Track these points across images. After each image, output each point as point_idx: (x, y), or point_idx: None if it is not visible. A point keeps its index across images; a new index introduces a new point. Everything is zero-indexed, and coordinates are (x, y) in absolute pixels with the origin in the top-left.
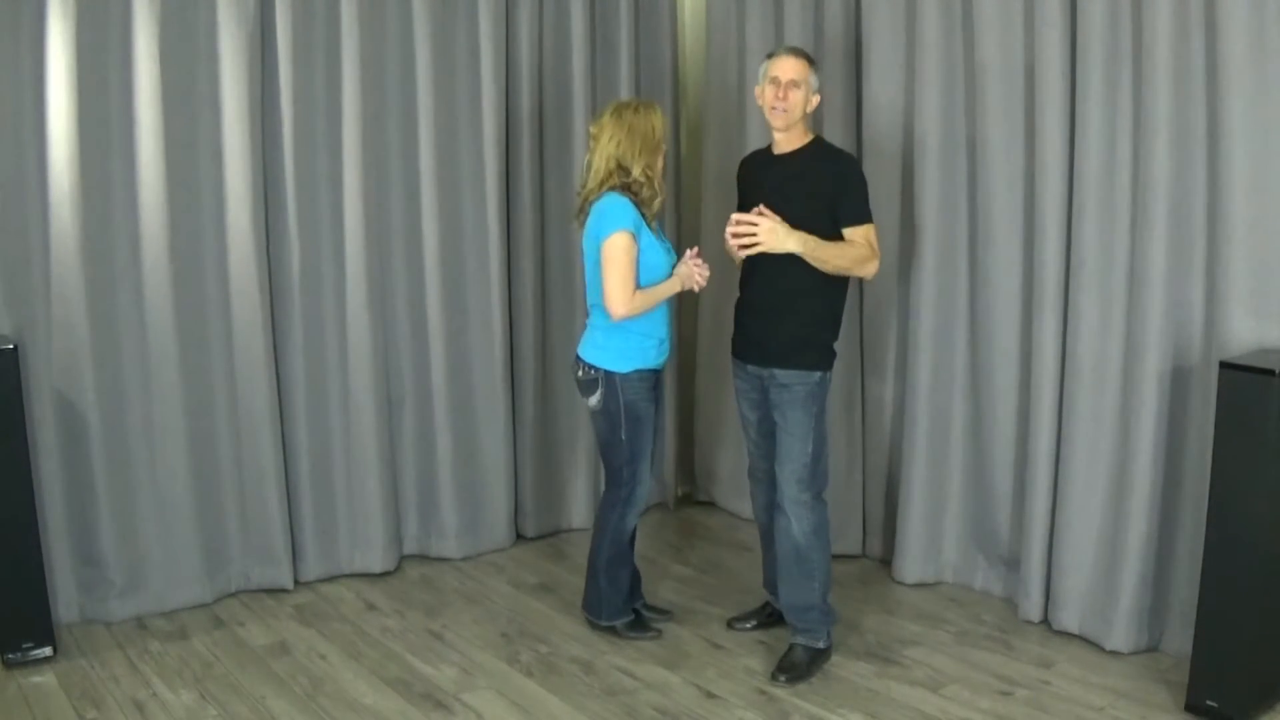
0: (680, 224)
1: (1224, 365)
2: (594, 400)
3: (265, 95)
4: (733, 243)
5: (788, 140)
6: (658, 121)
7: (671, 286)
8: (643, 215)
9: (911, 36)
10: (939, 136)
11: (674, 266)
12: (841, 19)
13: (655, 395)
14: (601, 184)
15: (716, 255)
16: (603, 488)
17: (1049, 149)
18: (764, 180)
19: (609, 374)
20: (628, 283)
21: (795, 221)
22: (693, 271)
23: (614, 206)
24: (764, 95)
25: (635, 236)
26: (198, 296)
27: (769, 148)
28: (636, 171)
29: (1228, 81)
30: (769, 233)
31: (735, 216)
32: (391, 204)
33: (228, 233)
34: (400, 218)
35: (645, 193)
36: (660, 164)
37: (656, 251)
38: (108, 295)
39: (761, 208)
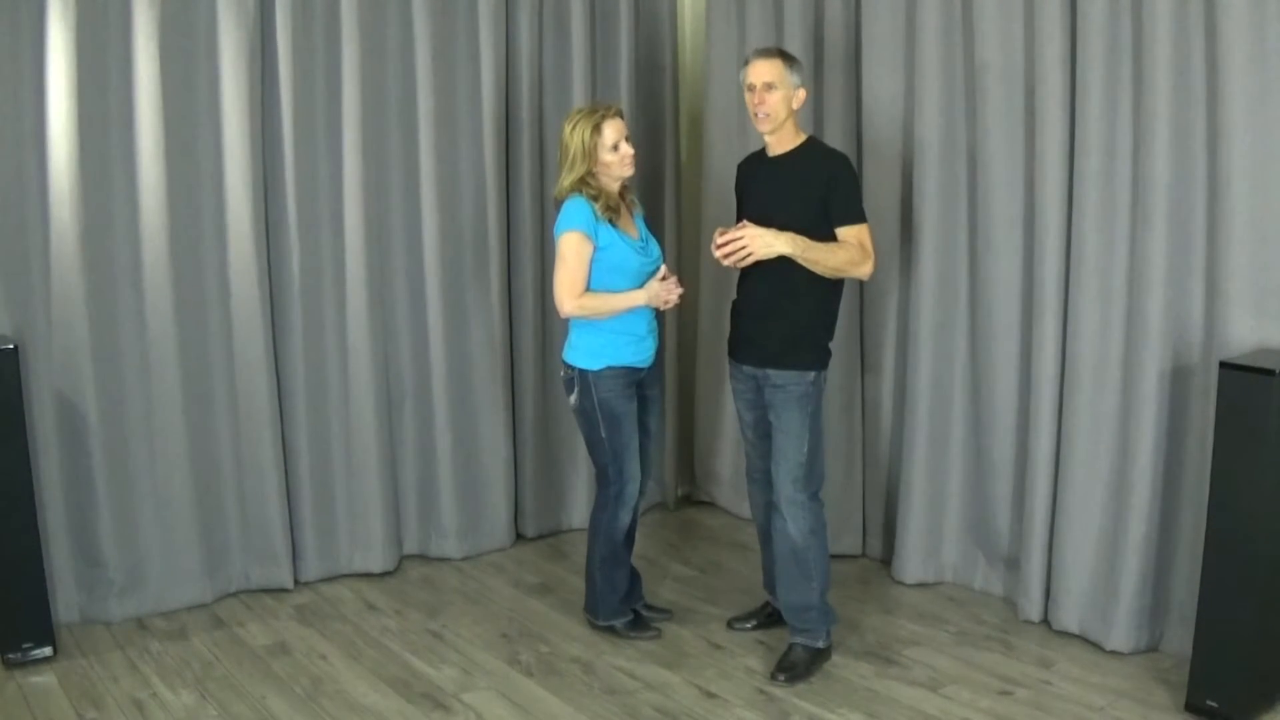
0: (680, 224)
1: (1224, 365)
2: (572, 399)
3: (265, 95)
4: (720, 256)
5: (779, 142)
6: (568, 137)
7: (634, 298)
8: (610, 219)
9: (911, 37)
10: (939, 137)
11: (654, 268)
12: (841, 19)
13: (639, 393)
14: (568, 188)
15: (709, 262)
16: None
17: (1049, 149)
18: (758, 183)
19: (582, 372)
20: (574, 282)
21: (789, 223)
22: (660, 291)
23: (568, 208)
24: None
25: (588, 237)
26: (198, 296)
27: (764, 150)
28: (567, 184)
29: (1228, 81)
30: (757, 239)
31: (719, 232)
32: (391, 204)
33: (228, 233)
34: (400, 218)
35: (599, 201)
36: (602, 168)
37: (622, 251)
38: (108, 295)
39: (744, 221)
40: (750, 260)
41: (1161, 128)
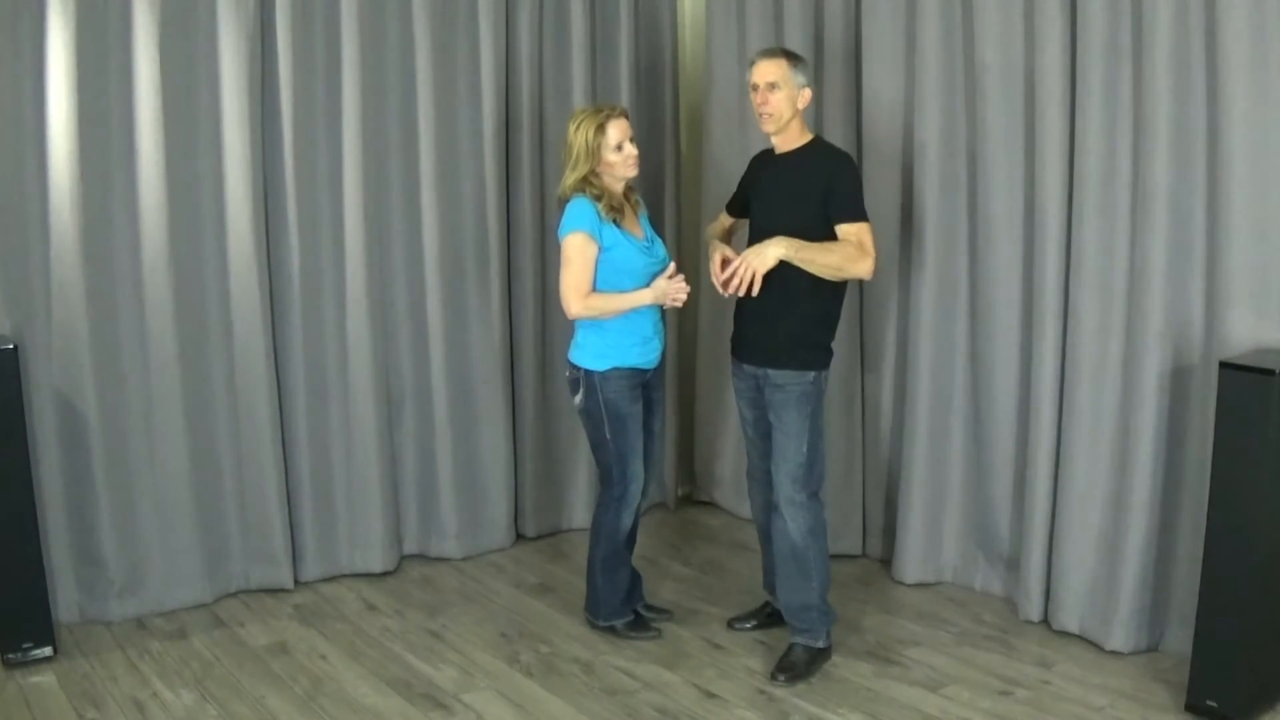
0: (680, 224)
1: (1224, 365)
2: (577, 400)
3: (265, 95)
4: (732, 291)
5: (785, 141)
6: (573, 135)
7: (641, 298)
8: (614, 219)
9: (911, 36)
10: (939, 137)
11: (660, 267)
12: (841, 19)
13: (643, 395)
14: (571, 189)
15: (709, 264)
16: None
17: (1049, 149)
18: (763, 180)
19: (588, 373)
20: (579, 284)
21: (791, 221)
22: (668, 289)
23: (572, 209)
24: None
25: (592, 238)
26: (198, 296)
27: (773, 148)
28: (570, 183)
29: (1228, 81)
30: (754, 258)
31: (717, 264)
32: (391, 204)
33: (228, 233)
34: (400, 218)
35: (602, 201)
36: (605, 167)
37: (626, 251)
38: (108, 295)
39: (724, 255)
40: (759, 279)
41: (1161, 128)
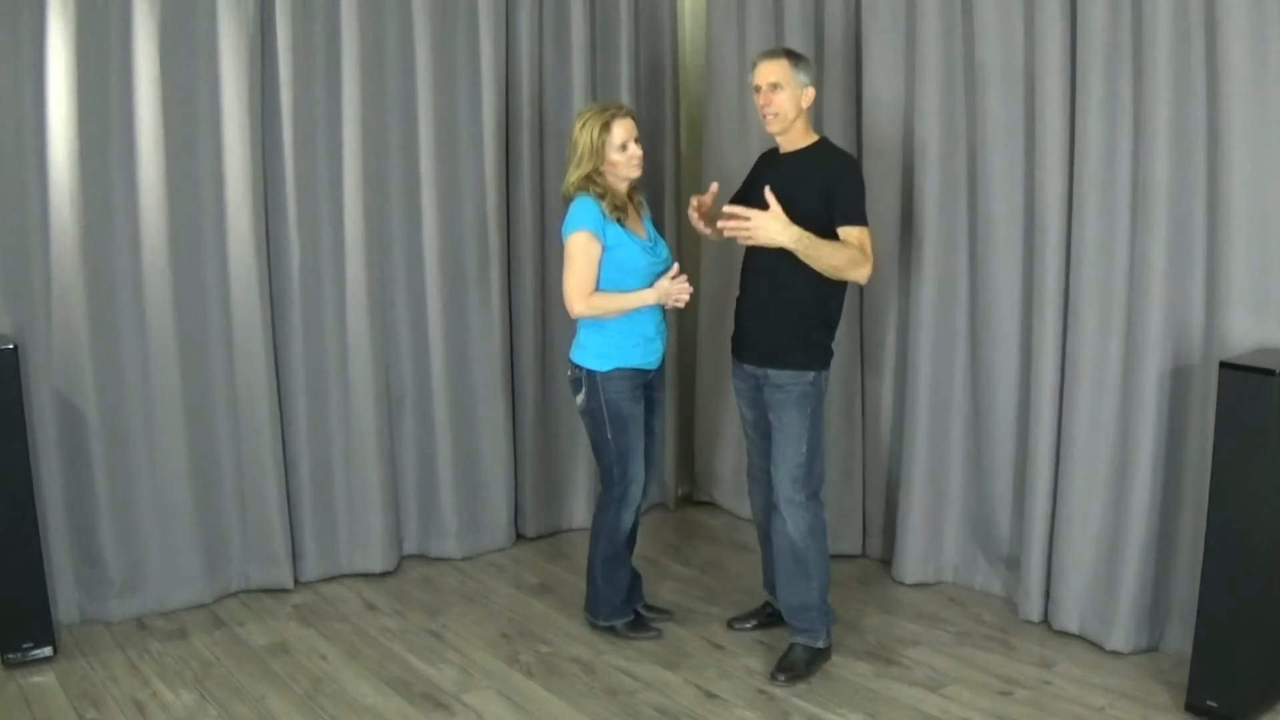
0: (680, 225)
1: (1224, 365)
2: (579, 399)
3: (265, 95)
4: (720, 226)
5: (789, 141)
6: (578, 133)
7: (644, 298)
8: (618, 218)
9: (911, 36)
10: (939, 136)
11: (663, 267)
12: (841, 19)
13: (645, 395)
14: (575, 186)
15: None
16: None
17: (1049, 149)
18: (766, 178)
19: (590, 373)
20: (583, 283)
21: (793, 221)
22: (671, 289)
23: (576, 208)
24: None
25: (596, 237)
26: (198, 296)
27: (778, 148)
28: (573, 180)
29: (1228, 81)
30: (760, 231)
31: (695, 202)
32: (391, 204)
33: (228, 233)
34: (400, 218)
35: (605, 199)
36: (609, 166)
37: (630, 251)
38: (108, 295)
39: (768, 194)
40: (750, 243)
41: (1161, 128)
